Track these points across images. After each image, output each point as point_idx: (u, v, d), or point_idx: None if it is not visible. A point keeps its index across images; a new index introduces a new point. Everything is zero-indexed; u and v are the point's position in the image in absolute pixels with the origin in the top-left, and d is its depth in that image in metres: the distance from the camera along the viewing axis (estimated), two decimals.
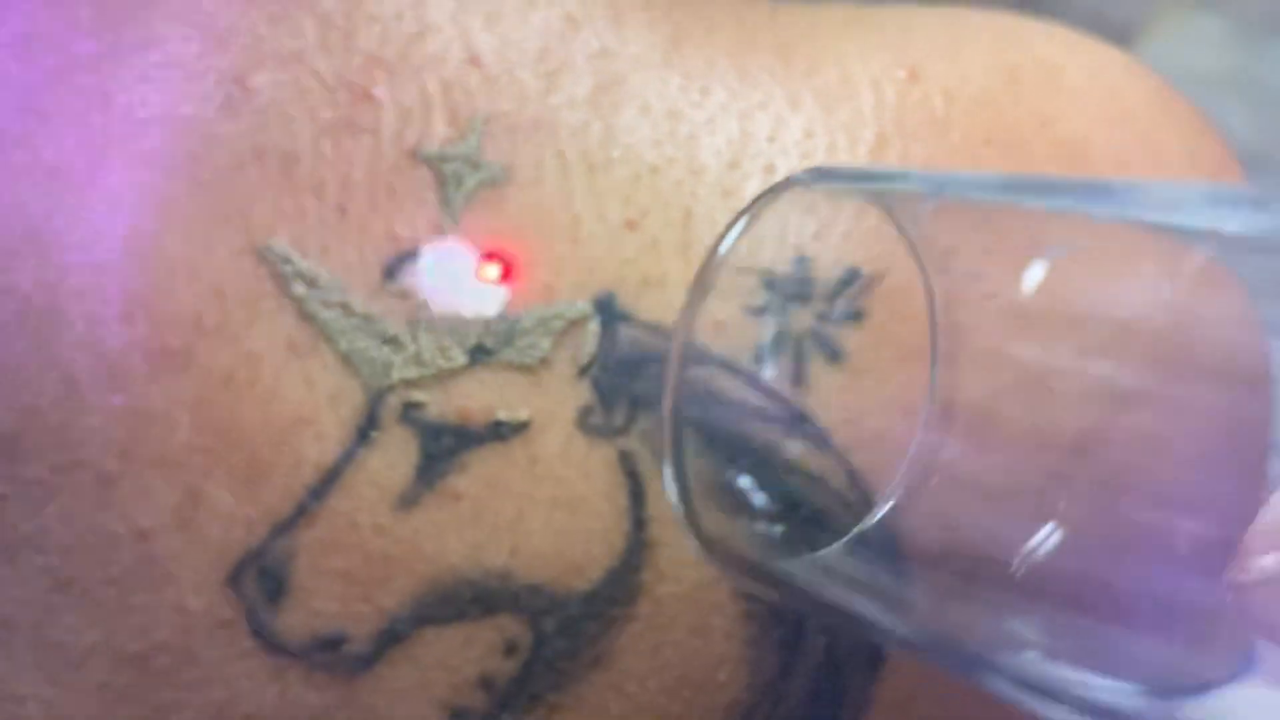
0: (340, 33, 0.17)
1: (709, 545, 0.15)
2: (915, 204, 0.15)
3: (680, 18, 0.18)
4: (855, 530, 0.16)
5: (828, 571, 0.16)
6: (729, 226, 0.15)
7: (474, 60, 0.17)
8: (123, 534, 0.17)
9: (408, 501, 0.16)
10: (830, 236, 0.17)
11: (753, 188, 0.17)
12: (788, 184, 0.15)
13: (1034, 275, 0.15)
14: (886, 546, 0.16)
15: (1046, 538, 0.15)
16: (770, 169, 0.17)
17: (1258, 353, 0.14)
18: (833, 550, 0.16)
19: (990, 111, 0.18)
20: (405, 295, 0.16)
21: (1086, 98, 0.19)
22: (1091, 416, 0.16)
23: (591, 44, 0.17)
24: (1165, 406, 0.15)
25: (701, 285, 0.15)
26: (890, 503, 0.16)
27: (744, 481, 0.17)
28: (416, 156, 0.17)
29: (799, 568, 0.16)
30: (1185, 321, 0.15)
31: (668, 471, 0.15)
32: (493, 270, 0.16)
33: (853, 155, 0.17)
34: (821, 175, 0.15)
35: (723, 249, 0.15)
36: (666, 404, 0.15)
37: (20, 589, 0.18)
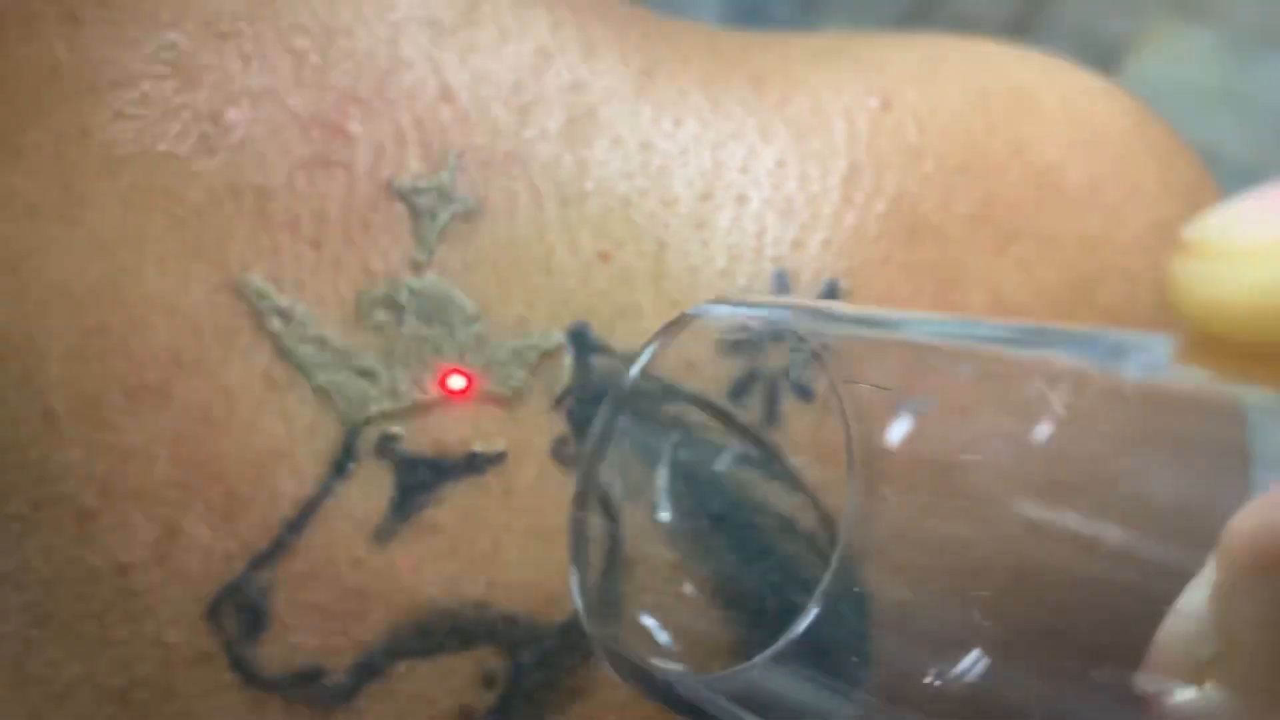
0: (313, 69, 0.17)
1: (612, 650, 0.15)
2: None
3: (652, 48, 0.18)
4: (778, 644, 0.16)
5: (749, 687, 0.16)
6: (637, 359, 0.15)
7: (447, 95, 0.17)
8: (102, 568, 0.17)
9: (384, 535, 0.16)
10: (810, 244, 0.17)
11: (725, 218, 0.17)
12: (686, 319, 0.15)
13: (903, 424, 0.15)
14: (811, 658, 0.16)
15: (971, 665, 0.15)
16: (743, 199, 0.17)
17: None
18: (755, 665, 0.16)
19: (963, 138, 0.18)
20: (381, 329, 0.16)
21: (1061, 124, 0.19)
22: (1010, 548, 0.16)
23: (563, 76, 0.18)
24: (1077, 541, 0.15)
25: (612, 409, 0.15)
26: (812, 615, 0.16)
27: (710, 529, 0.17)
28: (390, 190, 0.17)
29: (714, 684, 0.16)
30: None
31: (573, 580, 0.15)
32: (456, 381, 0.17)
33: (824, 185, 0.17)
34: (722, 303, 0.16)
35: (631, 376, 0.15)
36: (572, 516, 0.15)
37: (2, 624, 0.18)
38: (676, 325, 0.15)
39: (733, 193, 0.17)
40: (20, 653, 0.18)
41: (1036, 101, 0.19)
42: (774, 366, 0.16)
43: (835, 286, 0.17)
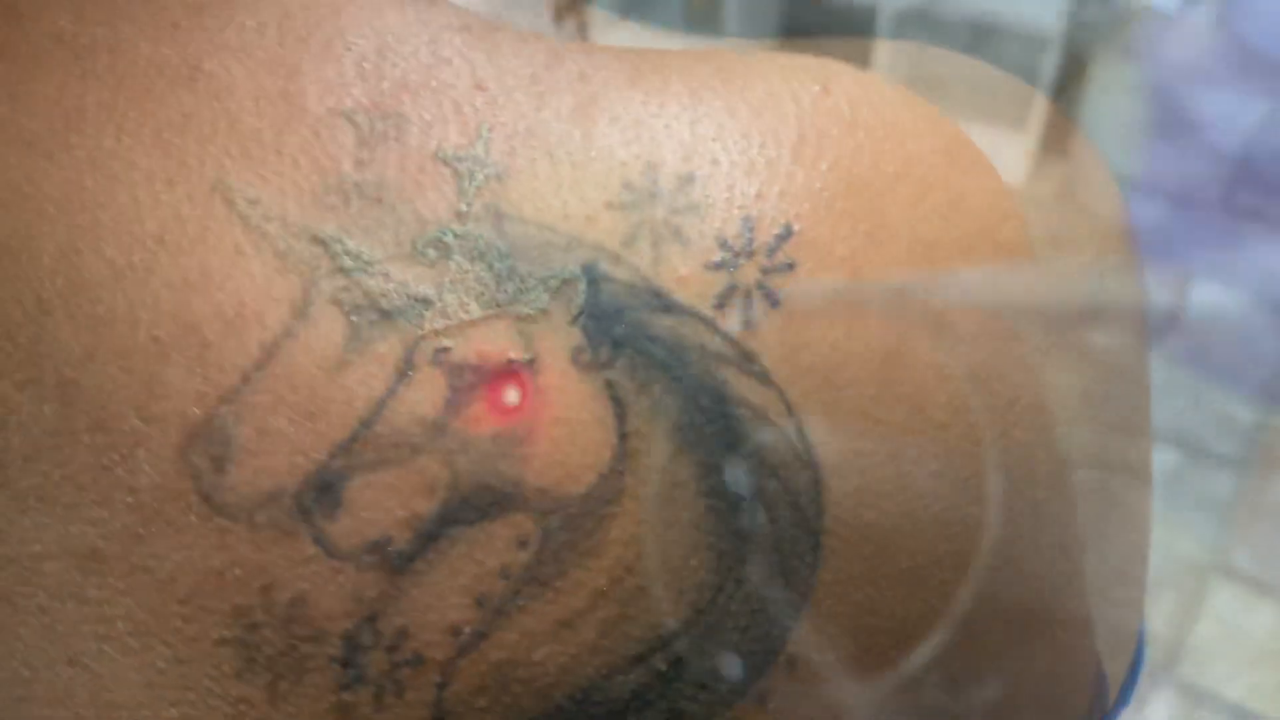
0: (372, 65, 0.22)
1: None
2: None
3: (637, 53, 0.23)
4: None
5: None
6: None
7: (479, 84, 0.22)
8: (81, 430, 0.20)
9: (440, 428, 0.20)
10: (769, 196, 0.21)
11: (701, 177, 0.21)
12: None
13: None
14: None
15: None
16: (715, 162, 0.21)
17: None
18: None
19: (887, 114, 0.23)
20: (432, 264, 0.21)
21: (965, 103, 0.24)
22: None
23: (571, 71, 0.22)
24: None
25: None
26: None
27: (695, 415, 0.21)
28: (437, 158, 0.21)
29: None
30: None
31: None
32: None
33: (779, 150, 0.22)
34: None
35: None
36: None
37: None
38: None
39: (708, 157, 0.21)
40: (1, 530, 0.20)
41: (944, 84, 0.24)
42: (749, 279, 0.21)
43: (789, 228, 0.21)
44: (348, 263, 0.20)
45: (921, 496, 0.22)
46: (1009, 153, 0.24)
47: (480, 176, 0.21)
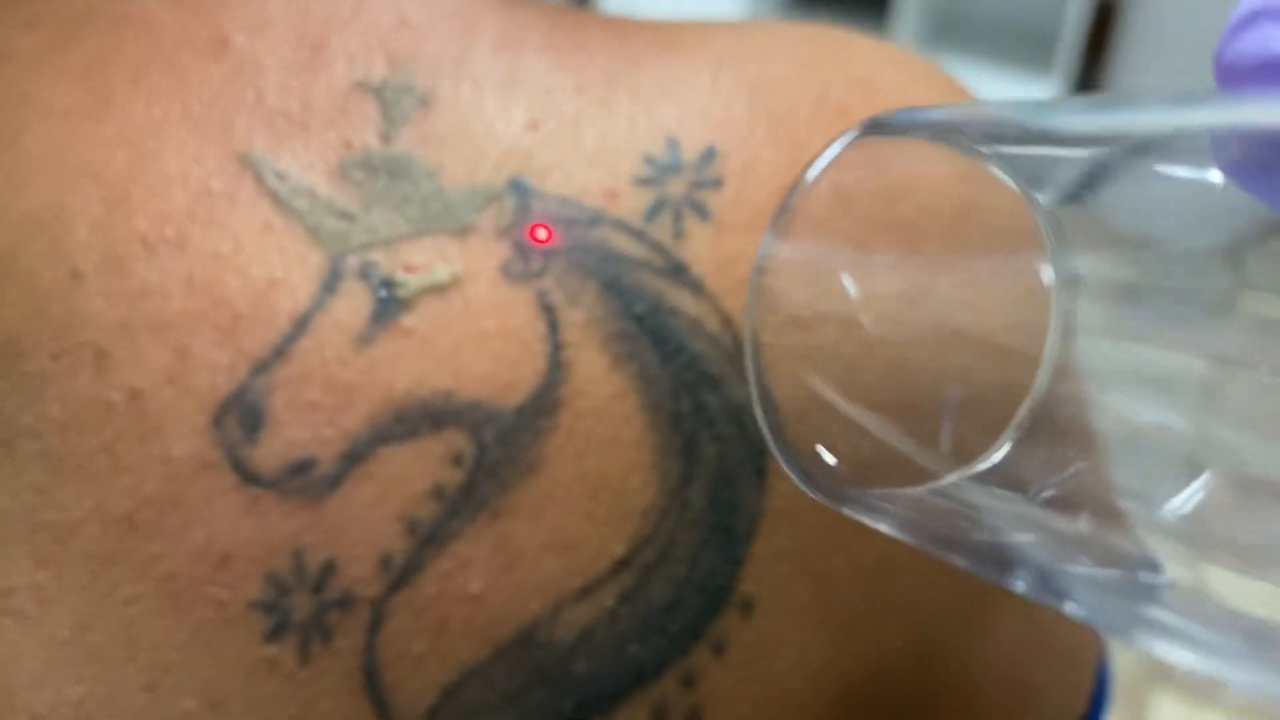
0: (299, 7, 0.22)
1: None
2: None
3: (556, 14, 0.24)
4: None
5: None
6: (814, 161, 0.19)
7: (404, 23, 0.22)
8: (116, 400, 0.20)
9: (366, 340, 0.20)
10: (690, 119, 0.22)
11: (624, 100, 0.22)
12: (869, 126, 0.18)
13: None
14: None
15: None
16: (636, 88, 0.22)
17: None
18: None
19: (800, 57, 0.23)
20: (359, 185, 0.20)
21: (871, 50, 0.25)
22: None
23: (494, 15, 0.23)
24: None
25: (784, 209, 0.19)
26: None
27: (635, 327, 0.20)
28: (364, 87, 0.21)
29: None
30: None
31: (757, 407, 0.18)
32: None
33: (697, 82, 0.22)
34: (883, 125, 0.19)
35: (810, 175, 0.19)
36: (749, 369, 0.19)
37: (14, 481, 0.20)
38: (872, 129, 0.18)
39: (630, 84, 0.22)
40: (34, 503, 0.20)
41: (854, 40, 0.25)
42: (678, 194, 0.21)
43: (712, 149, 0.22)
44: (272, 181, 0.20)
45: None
46: None
47: (405, 104, 0.21)
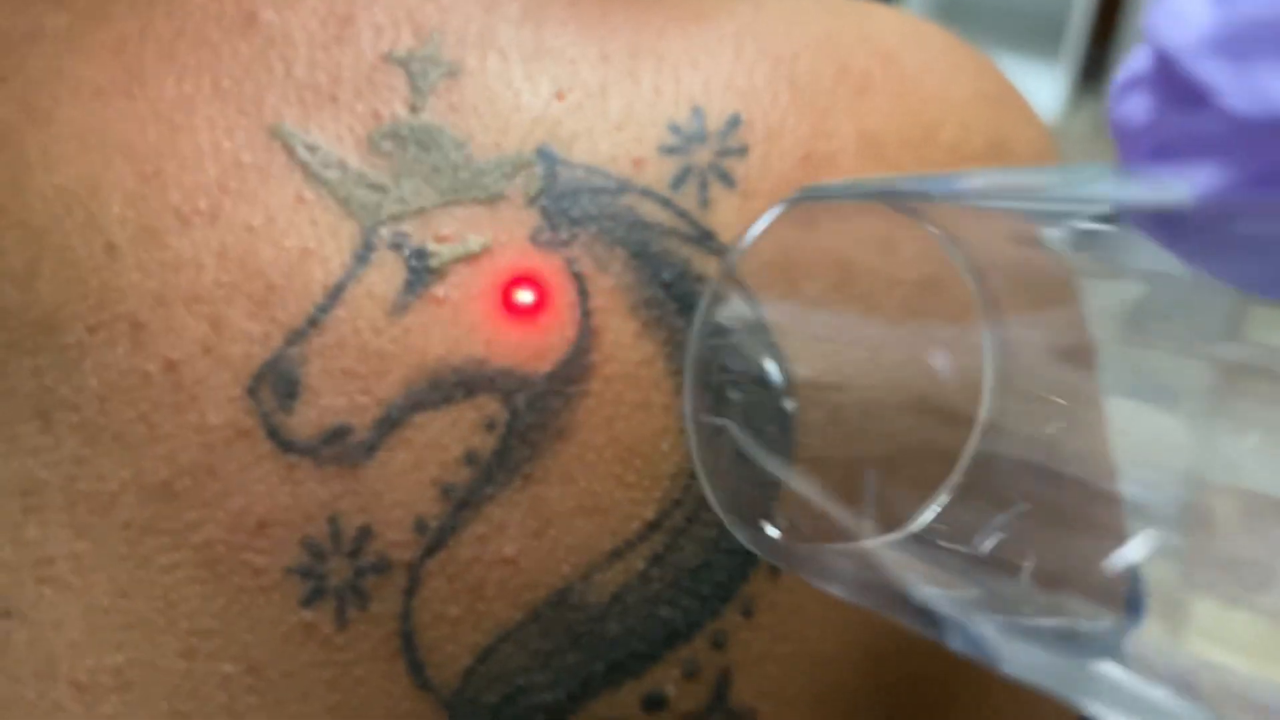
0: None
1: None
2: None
3: None
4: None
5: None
6: (743, 239, 0.20)
7: None
8: (153, 370, 0.20)
9: (399, 308, 0.20)
10: (715, 88, 0.22)
11: (649, 69, 0.22)
12: (790, 202, 0.19)
13: None
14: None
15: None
16: (661, 57, 0.22)
17: None
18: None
19: (819, 29, 0.24)
20: (388, 155, 0.21)
21: (895, 22, 0.25)
22: None
23: None
24: None
25: (721, 280, 0.20)
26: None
27: (664, 294, 0.21)
28: (389, 59, 0.21)
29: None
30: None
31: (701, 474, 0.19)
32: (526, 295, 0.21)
33: (720, 51, 0.22)
34: (816, 192, 0.20)
35: (748, 238, 0.20)
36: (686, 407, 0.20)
37: (54, 452, 0.21)
38: (808, 195, 0.19)
39: (654, 53, 0.22)
40: (72, 473, 0.20)
41: (876, 11, 0.25)
42: (703, 162, 0.21)
43: (737, 117, 0.22)
44: (304, 154, 0.20)
45: (885, 384, 0.22)
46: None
47: (433, 75, 0.21)
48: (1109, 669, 0.15)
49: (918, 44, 0.24)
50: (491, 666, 0.20)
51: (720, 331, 0.21)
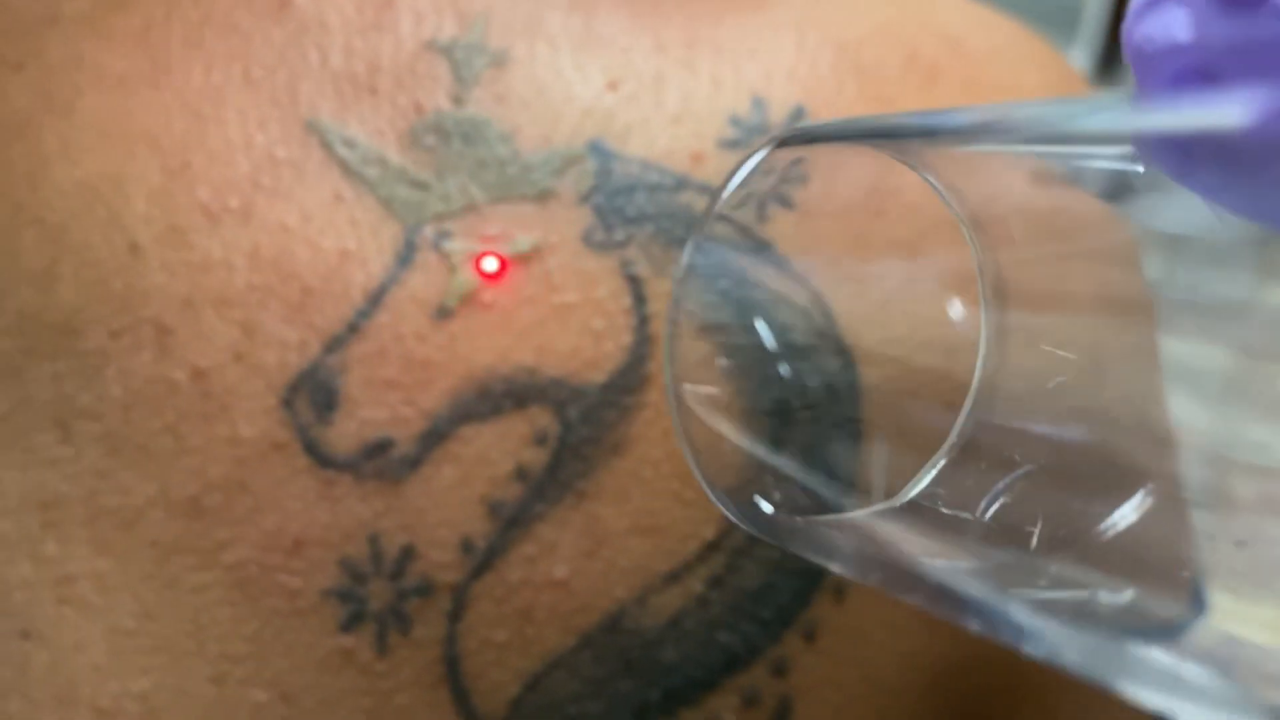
0: None
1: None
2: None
3: None
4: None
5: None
6: (724, 183, 0.18)
7: None
8: (180, 379, 0.19)
9: (444, 313, 0.19)
10: (777, 78, 0.20)
11: (706, 59, 0.20)
12: (773, 141, 0.18)
13: None
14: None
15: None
16: (720, 48, 0.21)
17: None
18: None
19: (882, 15, 0.22)
20: (431, 150, 0.19)
21: (959, 9, 0.23)
22: None
23: None
24: None
25: (700, 225, 0.18)
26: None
27: (721, 301, 0.19)
28: (431, 47, 0.20)
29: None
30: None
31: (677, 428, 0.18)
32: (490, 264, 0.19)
33: (781, 42, 0.21)
34: (802, 133, 0.19)
35: (722, 197, 0.18)
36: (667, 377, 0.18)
37: (74, 464, 0.19)
38: (791, 139, 0.18)
39: (712, 42, 0.21)
40: (94, 487, 0.19)
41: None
42: (763, 187, 0.20)
43: (801, 109, 0.20)
44: (342, 150, 0.19)
45: (961, 389, 0.20)
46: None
47: (478, 64, 0.20)
48: (1143, 650, 0.14)
49: (983, 30, 0.23)
50: (540, 695, 0.19)
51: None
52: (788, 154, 0.19)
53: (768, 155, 0.17)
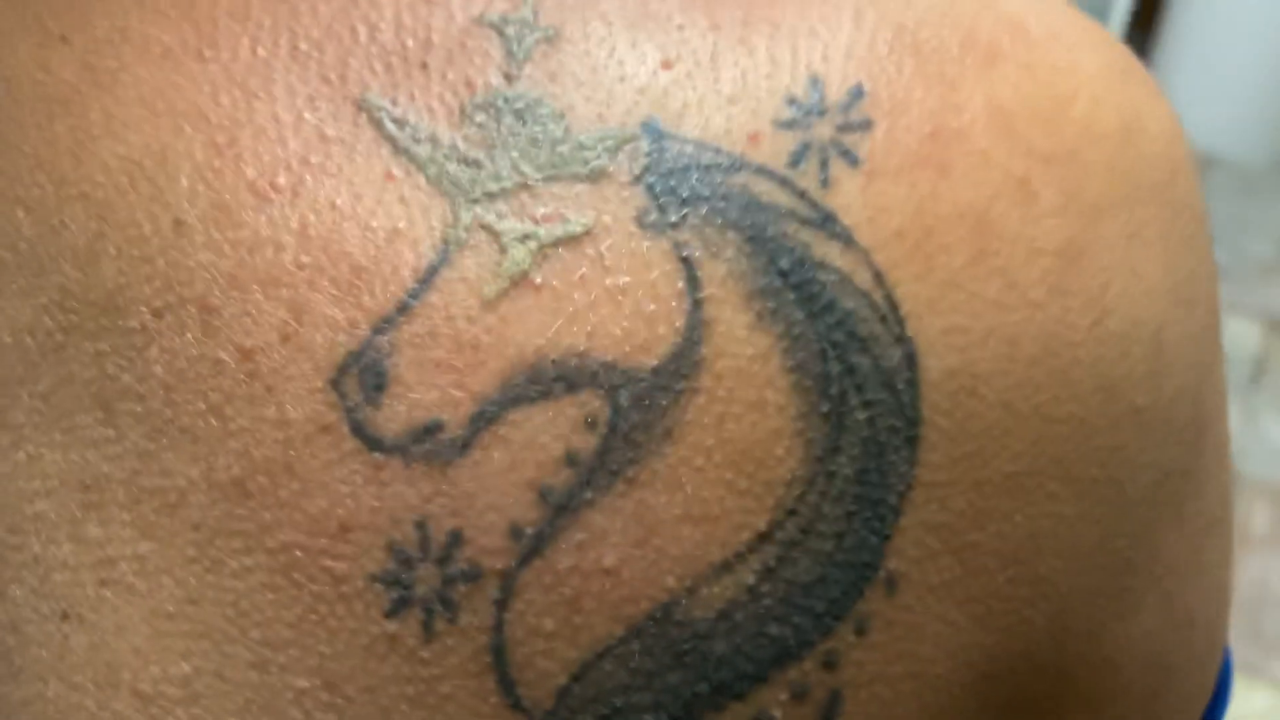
0: None
1: None
2: None
3: None
4: None
5: None
6: None
7: None
8: (226, 359, 0.18)
9: (495, 296, 0.18)
10: (835, 57, 0.20)
11: (763, 37, 0.20)
12: None
13: None
14: None
15: None
16: (776, 25, 0.20)
17: None
18: None
19: (953, 15, 0.22)
20: (482, 127, 0.19)
21: None
22: None
23: None
24: None
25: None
26: None
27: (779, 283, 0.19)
28: (482, 22, 0.20)
29: None
30: None
31: None
32: None
33: (839, 19, 0.20)
34: None
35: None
36: None
37: (116, 445, 0.19)
38: None
39: (768, 20, 0.20)
40: (136, 468, 0.19)
41: None
42: (824, 137, 0.19)
43: (860, 89, 0.20)
44: (391, 128, 0.19)
45: (1020, 385, 0.20)
46: None
47: (529, 40, 0.20)
48: None
49: (1042, 11, 0.22)
50: (588, 686, 0.19)
51: (842, 322, 0.19)
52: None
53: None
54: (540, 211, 0.19)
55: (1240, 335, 1.74)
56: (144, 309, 0.19)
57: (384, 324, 0.18)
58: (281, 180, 0.19)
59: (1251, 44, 2.01)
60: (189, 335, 0.18)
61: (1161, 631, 0.24)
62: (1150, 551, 0.23)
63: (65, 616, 0.20)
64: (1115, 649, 0.23)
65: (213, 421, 0.18)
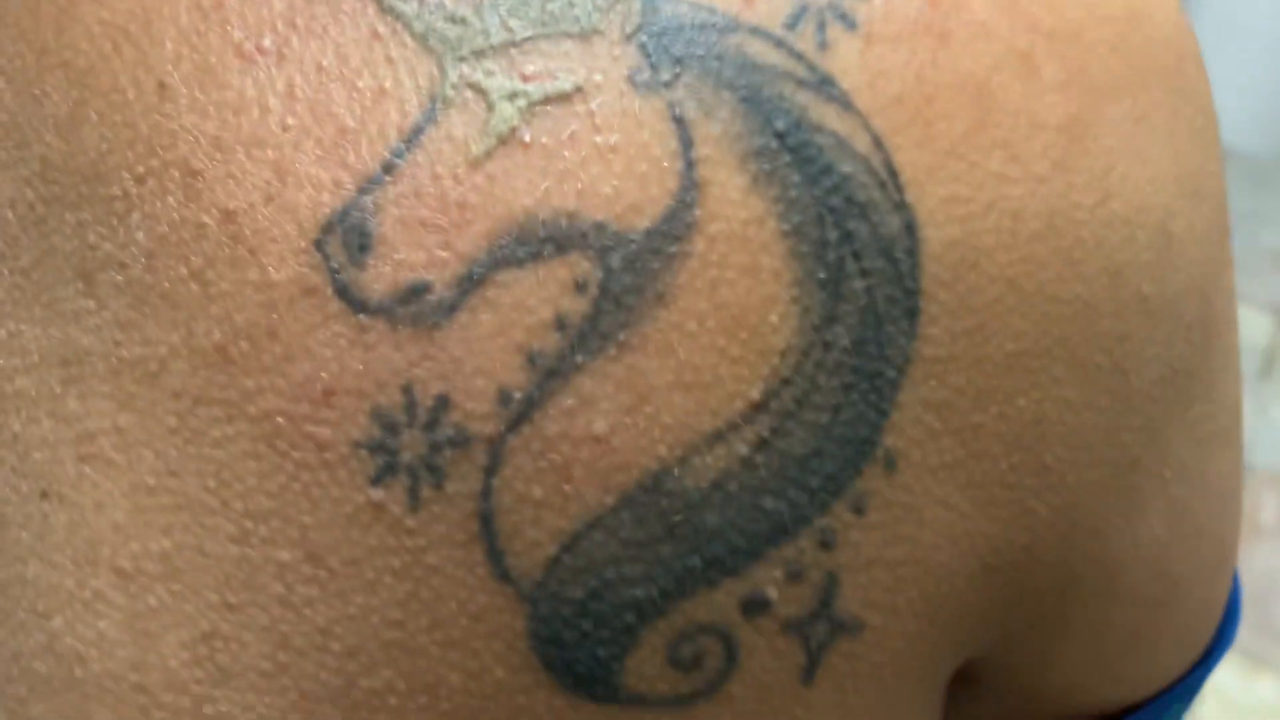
0: None
1: None
2: None
3: None
4: None
5: None
6: None
7: None
8: (208, 222, 0.18)
9: (482, 154, 0.18)
10: None
11: None
12: None
13: None
14: None
15: None
16: None
17: None
18: None
19: None
20: None
21: None
22: None
23: None
24: None
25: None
26: None
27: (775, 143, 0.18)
28: None
29: None
30: None
31: None
32: None
33: None
34: None
35: None
36: None
37: (96, 316, 0.19)
38: None
39: None
40: (117, 339, 0.19)
41: None
42: (821, 1, 0.19)
43: None
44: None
45: (1024, 260, 0.19)
46: None
47: None
48: None
49: None
50: (578, 557, 0.18)
51: (838, 188, 0.18)
52: None
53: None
54: (529, 69, 0.18)
55: (1252, 326, 1.73)
56: (126, 175, 0.18)
57: (369, 184, 0.18)
58: (267, 42, 0.18)
59: (1263, 36, 2.00)
60: (171, 199, 0.18)
61: (1169, 540, 0.24)
62: (1158, 453, 0.22)
63: (45, 495, 0.19)
64: (1121, 550, 0.23)
65: (194, 287, 0.18)
